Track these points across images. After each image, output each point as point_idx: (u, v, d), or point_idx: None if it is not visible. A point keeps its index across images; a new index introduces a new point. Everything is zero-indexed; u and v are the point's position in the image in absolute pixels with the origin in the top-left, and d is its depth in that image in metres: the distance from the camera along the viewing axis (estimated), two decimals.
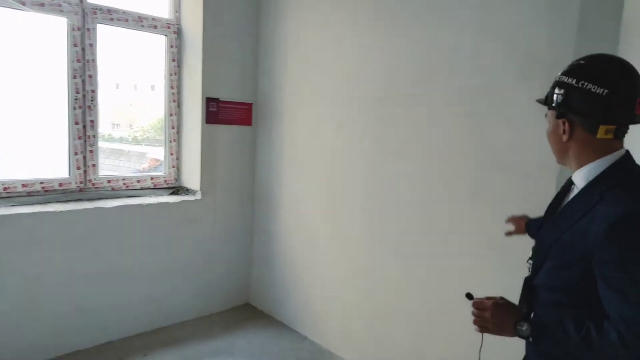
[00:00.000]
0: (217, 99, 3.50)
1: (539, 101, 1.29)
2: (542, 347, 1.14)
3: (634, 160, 1.17)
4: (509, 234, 1.81)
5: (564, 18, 1.97)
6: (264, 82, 3.66)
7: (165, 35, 3.48)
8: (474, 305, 1.22)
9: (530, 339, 1.13)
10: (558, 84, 1.19)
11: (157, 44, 3.53)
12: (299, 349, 3.20)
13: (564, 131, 1.17)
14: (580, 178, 1.17)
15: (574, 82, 1.14)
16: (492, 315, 1.18)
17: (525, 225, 1.70)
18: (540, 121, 2.05)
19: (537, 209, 2.09)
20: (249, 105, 3.70)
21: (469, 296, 1.26)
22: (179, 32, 3.51)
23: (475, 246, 2.35)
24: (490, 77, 2.24)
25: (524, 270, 2.10)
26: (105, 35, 3.17)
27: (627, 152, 1.17)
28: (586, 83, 1.11)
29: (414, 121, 2.60)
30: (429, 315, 2.57)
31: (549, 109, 1.22)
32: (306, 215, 3.35)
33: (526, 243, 2.13)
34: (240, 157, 3.72)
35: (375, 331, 2.88)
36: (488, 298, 1.22)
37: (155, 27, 3.41)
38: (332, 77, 3.08)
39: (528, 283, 1.27)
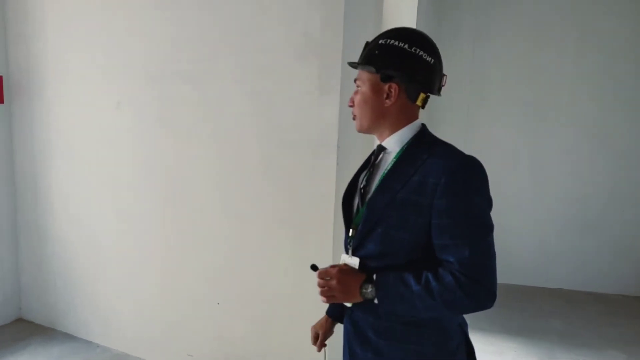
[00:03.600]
0: None
1: (352, 64, 1.21)
2: (387, 306, 1.09)
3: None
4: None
5: (333, 3, 2.08)
6: (18, 50, 2.99)
7: None
8: (319, 275, 1.16)
9: (376, 300, 1.09)
10: (384, 47, 1.12)
11: None
12: None
13: (388, 95, 1.14)
14: (394, 142, 1.17)
15: (406, 46, 1.11)
16: (337, 282, 1.12)
17: (327, 313, 1.44)
18: (315, 101, 2.18)
19: (320, 183, 2.23)
20: None
21: (314, 267, 1.19)
22: None
23: (270, 225, 2.37)
24: (272, 57, 2.24)
25: (317, 243, 2.26)
26: None
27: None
28: (419, 50, 1.11)
29: (201, 100, 2.45)
30: (232, 299, 2.53)
31: (377, 71, 1.13)
32: (85, 207, 2.91)
33: (317, 218, 2.27)
34: None
35: (176, 323, 2.71)
36: (332, 266, 1.16)
37: None
38: (105, 49, 2.69)
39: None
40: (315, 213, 2.25)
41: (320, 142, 2.18)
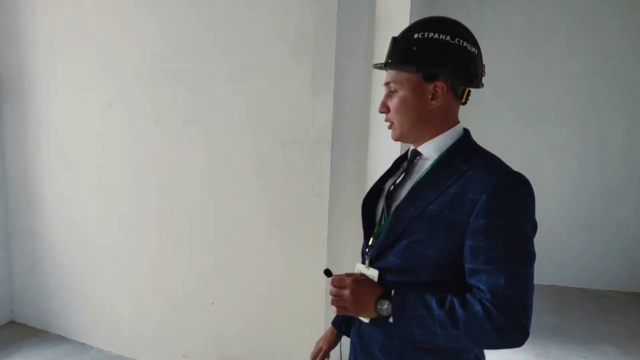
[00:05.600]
0: None
1: (380, 66, 1.07)
2: (404, 328, 0.96)
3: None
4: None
5: (326, 1, 2.07)
6: (8, 51, 2.96)
7: None
8: (332, 283, 1.03)
9: (391, 319, 0.97)
10: (423, 41, 1.00)
11: None
12: None
13: (434, 96, 1.01)
14: (432, 148, 1.05)
15: (448, 38, 0.98)
16: (351, 293, 1.00)
17: (333, 324, 1.33)
18: (308, 99, 2.18)
19: (315, 183, 2.23)
20: None
21: (328, 273, 1.07)
22: None
23: (264, 224, 2.37)
24: (266, 55, 2.23)
25: (311, 243, 2.26)
26: None
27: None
28: (462, 40, 0.99)
29: (194, 99, 2.44)
30: (226, 300, 2.52)
31: (419, 70, 1.01)
32: (78, 208, 2.89)
33: (312, 218, 2.26)
34: None
35: (170, 324, 2.70)
36: (348, 275, 1.03)
37: None
38: (97, 48, 2.67)
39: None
40: (310, 212, 2.25)
41: (315, 141, 2.18)
